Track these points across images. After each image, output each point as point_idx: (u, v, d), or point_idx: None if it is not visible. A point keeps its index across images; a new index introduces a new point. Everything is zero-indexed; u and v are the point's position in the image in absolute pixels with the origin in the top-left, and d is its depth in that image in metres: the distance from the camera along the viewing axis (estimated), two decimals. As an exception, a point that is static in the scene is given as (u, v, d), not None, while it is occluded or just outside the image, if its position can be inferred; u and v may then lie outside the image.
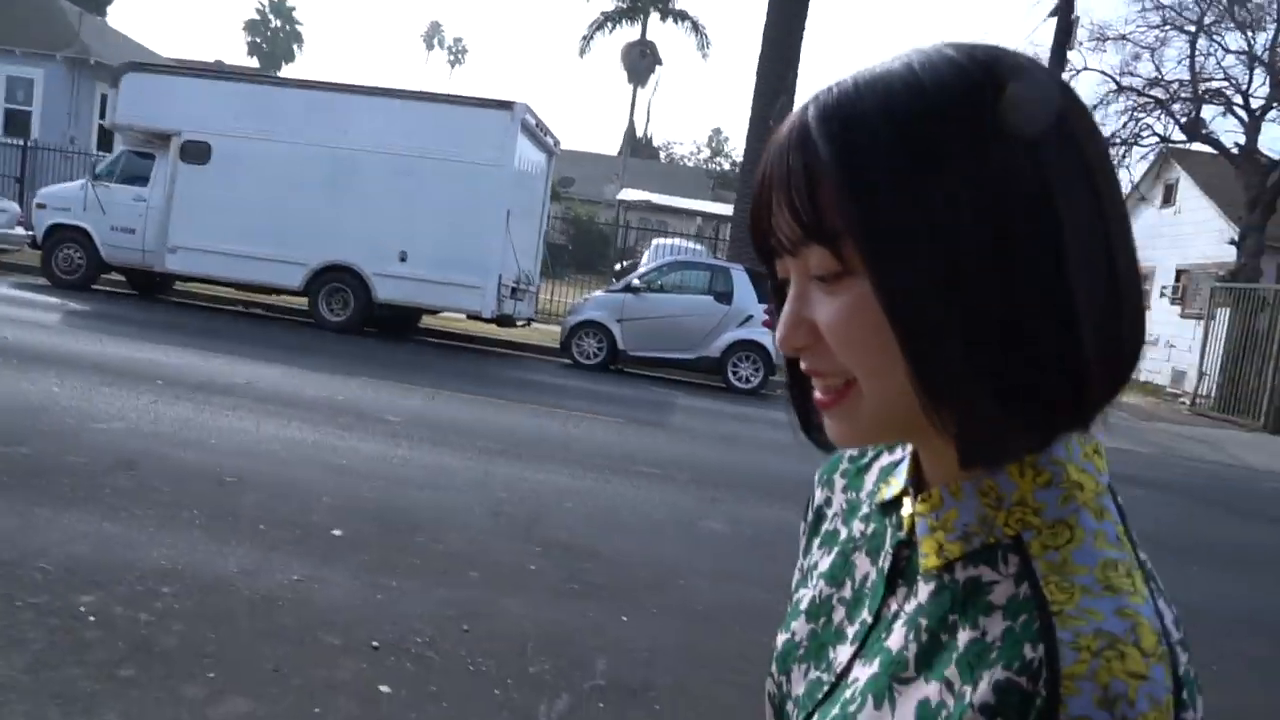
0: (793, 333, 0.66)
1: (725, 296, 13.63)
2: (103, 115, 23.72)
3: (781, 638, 0.81)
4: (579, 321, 13.59)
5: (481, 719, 3.38)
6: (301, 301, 14.71)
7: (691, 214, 41.83)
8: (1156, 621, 0.59)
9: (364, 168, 13.11)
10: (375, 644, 3.81)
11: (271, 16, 69.34)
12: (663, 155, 68.47)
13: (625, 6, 43.27)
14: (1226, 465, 13.01)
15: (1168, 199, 26.41)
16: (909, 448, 0.73)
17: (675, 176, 56.10)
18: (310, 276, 13.40)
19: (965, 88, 0.61)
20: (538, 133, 14.03)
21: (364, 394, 8.79)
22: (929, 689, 0.64)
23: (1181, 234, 25.54)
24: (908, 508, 0.72)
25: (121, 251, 14.00)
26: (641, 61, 42.80)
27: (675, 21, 43.93)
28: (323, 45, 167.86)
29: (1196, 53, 21.06)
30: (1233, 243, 21.06)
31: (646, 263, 25.39)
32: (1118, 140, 22.08)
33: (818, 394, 0.68)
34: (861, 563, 0.76)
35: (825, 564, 0.80)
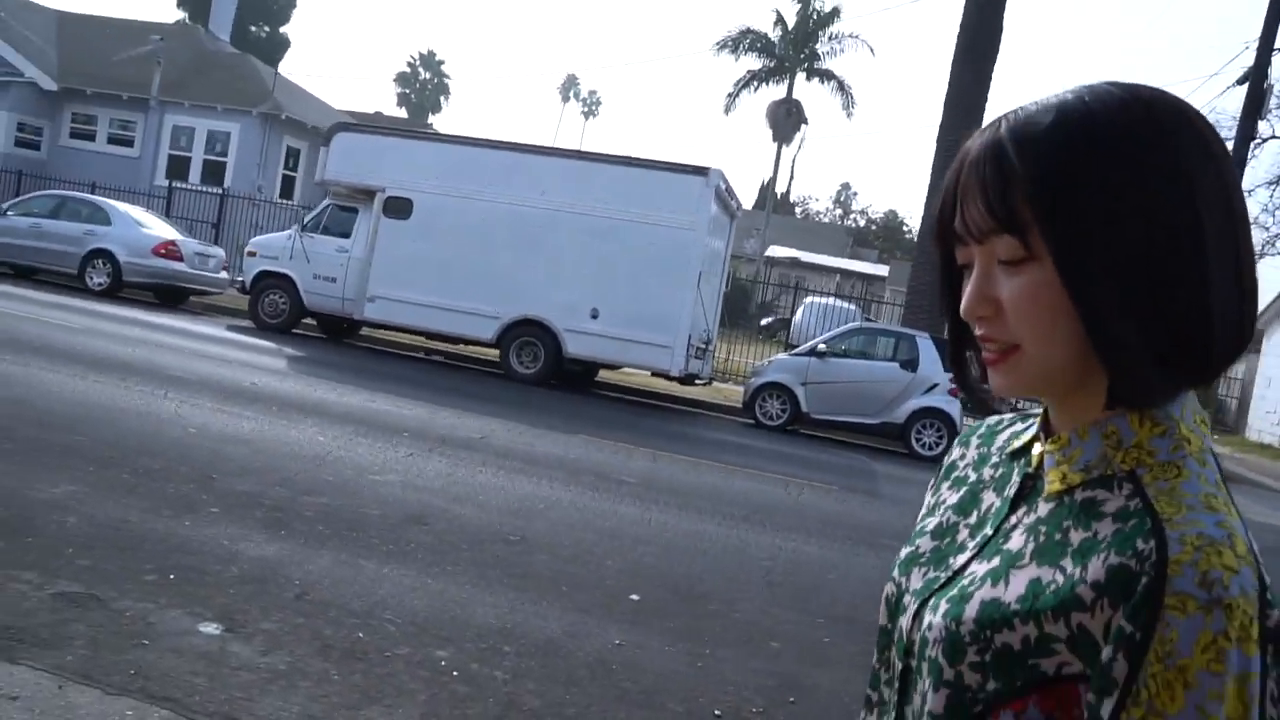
0: (979, 304, 0.82)
1: (910, 364, 13.55)
2: (288, 166, 25.14)
3: (905, 550, 0.95)
4: (764, 383, 13.67)
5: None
6: (478, 351, 15.24)
7: (831, 270, 41.76)
8: (1247, 538, 0.74)
9: (559, 227, 13.53)
10: (717, 712, 3.90)
11: (421, 69, 72.51)
12: (798, 211, 68.65)
13: (772, 66, 43.69)
14: None
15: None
16: (1037, 420, 0.91)
17: (813, 233, 56.12)
18: (503, 330, 13.84)
19: (1126, 119, 0.77)
20: (725, 196, 14.28)
21: (590, 453, 9.01)
22: (1041, 571, 0.79)
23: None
24: (1037, 449, 0.88)
25: (323, 299, 14.73)
26: (787, 120, 43.01)
27: (821, 81, 44.12)
28: (467, 96, 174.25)
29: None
30: None
31: (801, 321, 25.50)
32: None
33: (987, 354, 0.84)
34: (988, 497, 0.91)
35: (953, 499, 0.95)
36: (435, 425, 8.95)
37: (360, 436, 7.76)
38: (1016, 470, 0.89)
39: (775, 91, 44.67)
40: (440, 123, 67.31)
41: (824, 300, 25.60)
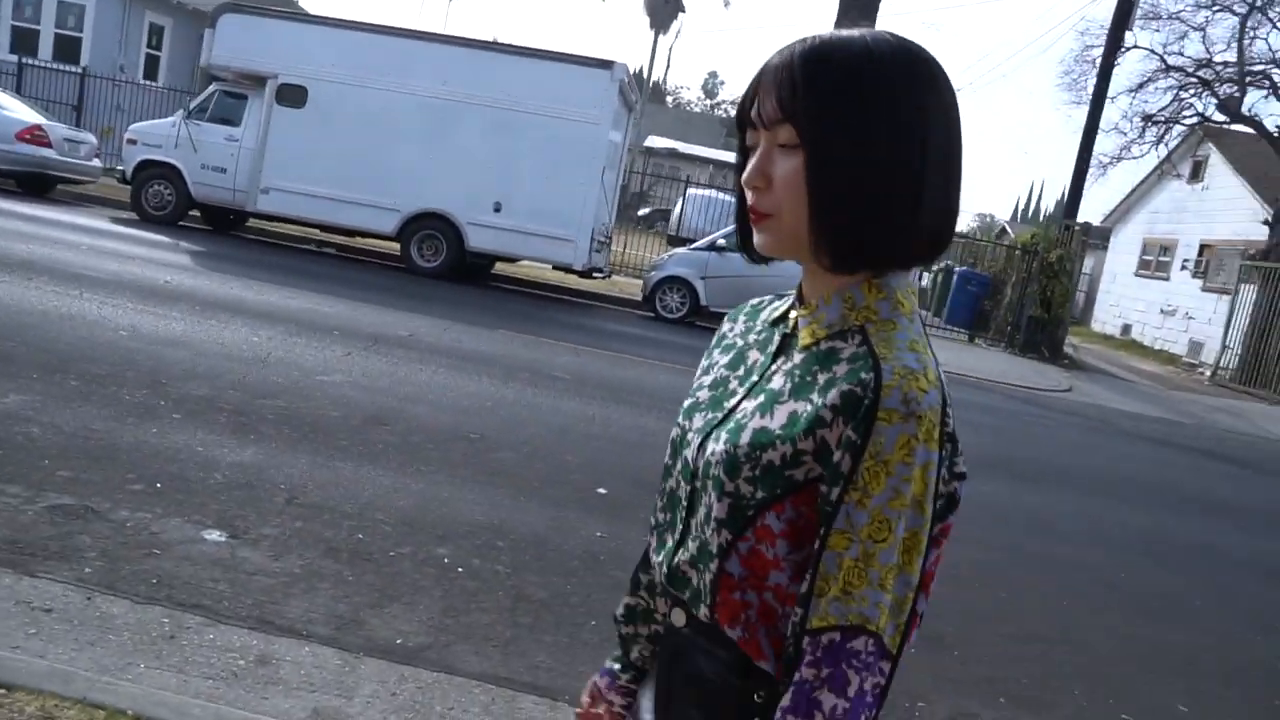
0: (756, 177, 1.04)
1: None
2: (152, 45, 23.59)
3: (687, 401, 1.18)
4: (664, 277, 13.93)
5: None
6: (371, 244, 15.00)
7: (706, 161, 41.90)
8: (937, 370, 1.00)
9: (461, 118, 13.29)
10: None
11: (278, -61, 68.17)
12: (669, 100, 68.02)
13: (650, -51, 42.80)
14: (1259, 436, 13.62)
15: (1196, 174, 26.82)
16: (789, 299, 1.16)
17: (686, 123, 55.91)
18: (404, 223, 13.64)
19: (891, 61, 1.01)
20: (627, 90, 14.23)
21: (516, 349, 9.15)
22: (796, 404, 1.02)
23: (1207, 210, 25.98)
24: (793, 315, 1.11)
25: (212, 190, 14.16)
26: (665, 8, 42.41)
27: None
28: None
29: (1245, 34, 21.29)
30: (1266, 223, 21.53)
31: (684, 213, 25.64)
32: (1162, 119, 22.40)
33: (753, 216, 1.06)
34: (752, 355, 1.15)
35: (725, 360, 1.19)
36: (360, 322, 8.92)
37: (293, 336, 7.71)
38: (777, 332, 1.13)
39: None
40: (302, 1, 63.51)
41: (706, 193, 25.79)
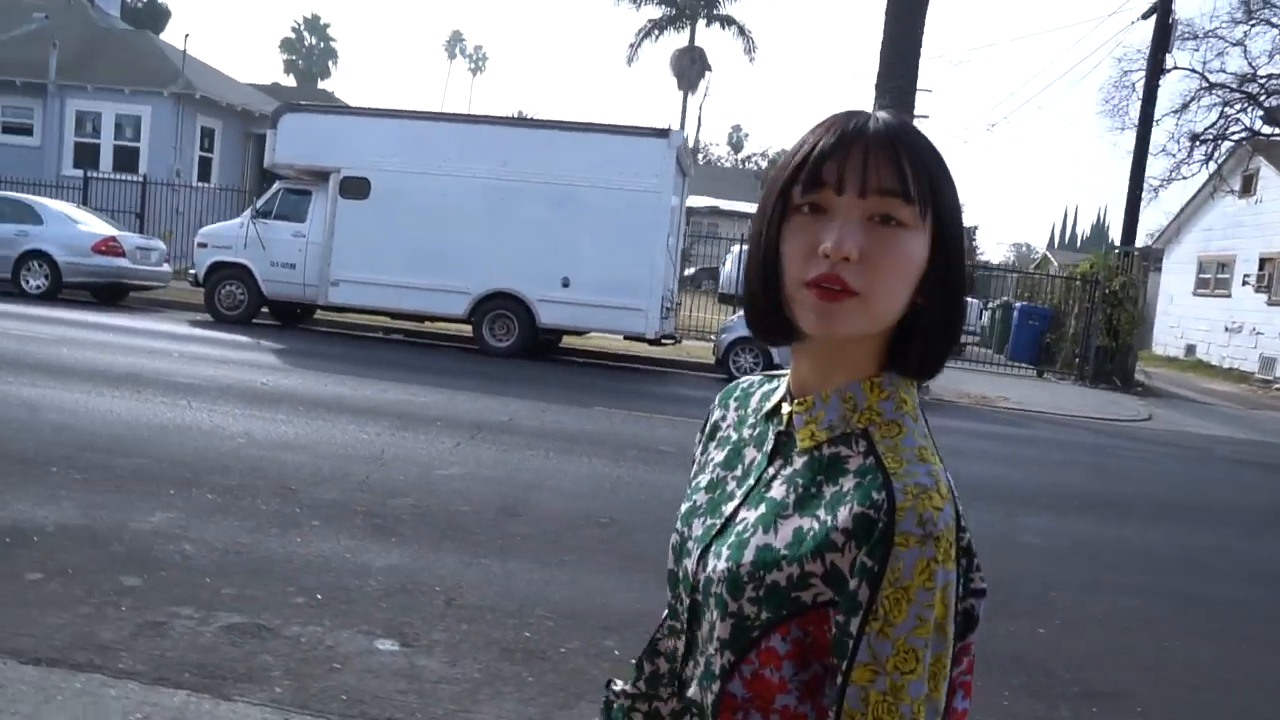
0: (850, 248, 0.94)
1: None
2: (204, 147, 24.28)
3: (685, 505, 1.13)
4: (736, 338, 13.92)
5: None
6: (439, 327, 15.16)
7: (745, 215, 42.16)
8: (947, 481, 0.95)
9: (524, 197, 13.48)
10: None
11: (307, 34, 70.15)
12: (700, 158, 68.71)
13: (673, 14, 43.54)
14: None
15: (1247, 188, 26.53)
16: (784, 381, 1.09)
17: (719, 179, 56.37)
18: (475, 304, 13.79)
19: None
20: (683, 156, 14.38)
21: (616, 425, 9.21)
22: (803, 521, 0.97)
23: (1263, 223, 25.64)
24: (786, 409, 1.05)
25: (282, 286, 14.43)
26: (691, 68, 43.01)
27: (722, 26, 44.18)
28: (355, 59, 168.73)
29: (1287, 44, 21.15)
30: (1330, 231, 21.23)
31: (730, 270, 25.71)
32: (1209, 136, 22.24)
33: (824, 290, 0.95)
34: (749, 453, 1.09)
35: (720, 456, 1.13)
36: (458, 411, 8.99)
37: (399, 430, 7.77)
38: (771, 429, 1.07)
39: (677, 39, 44.60)
40: (330, 89, 65.23)
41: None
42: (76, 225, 15.53)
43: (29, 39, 24.65)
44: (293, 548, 4.97)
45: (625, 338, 14.52)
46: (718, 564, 1.01)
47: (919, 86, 16.71)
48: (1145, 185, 19.92)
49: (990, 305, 24.09)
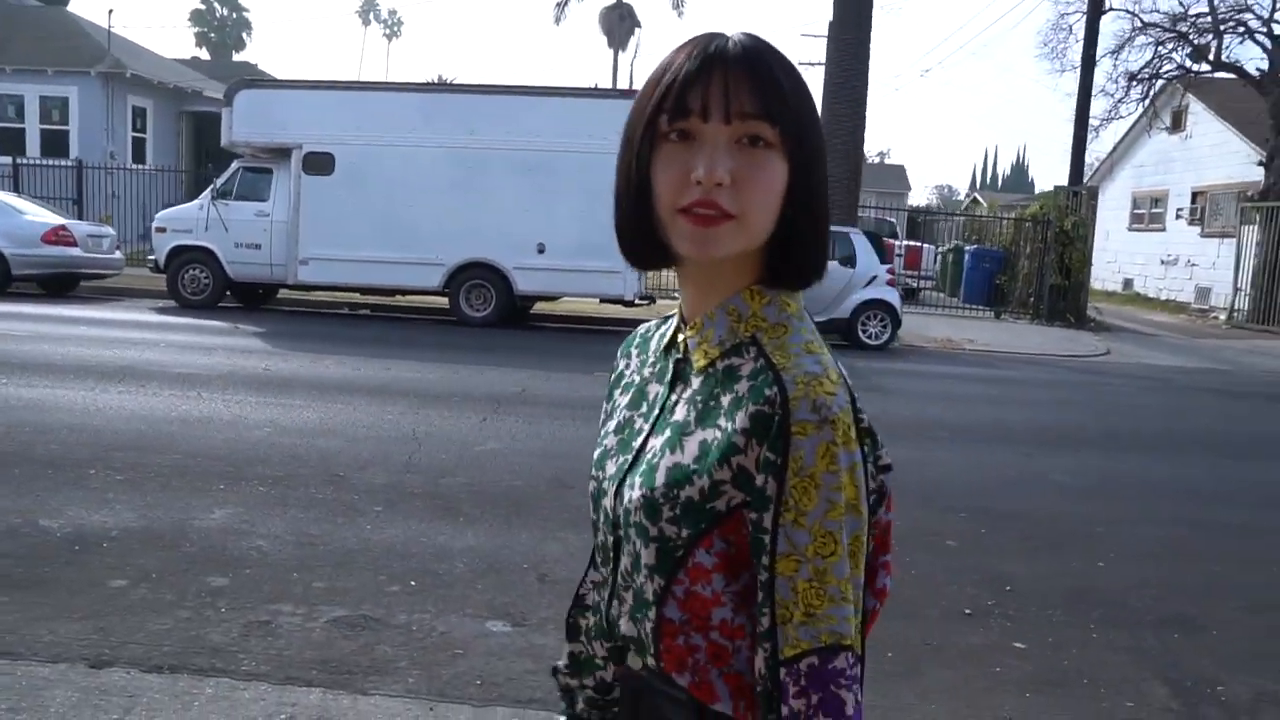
0: (723, 173, 0.95)
1: (849, 260, 14.08)
2: (136, 128, 23.46)
3: (596, 451, 1.13)
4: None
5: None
6: (406, 300, 14.98)
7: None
8: (837, 367, 0.98)
9: (493, 165, 13.29)
10: (968, 610, 4.29)
11: (218, 5, 67.70)
12: (629, 115, 68.00)
13: (598, -31, 43.00)
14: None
15: (1177, 124, 27.22)
16: (674, 320, 1.12)
17: (652, 136, 56.02)
18: (450, 275, 13.62)
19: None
20: (649, 116, 14.28)
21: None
22: (705, 433, 0.99)
23: (1194, 158, 26.39)
24: (681, 337, 1.07)
25: (248, 268, 14.08)
26: (621, 25, 42.59)
27: (649, -19, 43.74)
28: (267, 29, 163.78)
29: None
30: (1261, 164, 21.89)
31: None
32: (1145, 76, 22.73)
33: (698, 216, 0.96)
34: (652, 389, 1.10)
35: (625, 400, 1.14)
36: (470, 385, 8.93)
37: (420, 409, 7.70)
38: (671, 359, 1.09)
39: (606, -2, 44.10)
40: (248, 60, 63.13)
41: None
42: (22, 215, 14.94)
43: (-61, 22, 23.48)
44: (365, 535, 4.92)
45: (601, 301, 14.47)
46: (632, 494, 1.02)
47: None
48: (1089, 125, 20.28)
49: (941, 249, 24.45)
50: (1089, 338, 17.94)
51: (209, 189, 14.50)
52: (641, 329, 1.21)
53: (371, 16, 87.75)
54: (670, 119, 0.97)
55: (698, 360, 1.03)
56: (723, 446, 0.96)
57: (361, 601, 4.16)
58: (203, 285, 14.18)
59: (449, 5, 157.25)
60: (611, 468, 1.08)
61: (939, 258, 24.11)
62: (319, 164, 13.66)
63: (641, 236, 1.03)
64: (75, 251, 14.83)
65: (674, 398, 1.05)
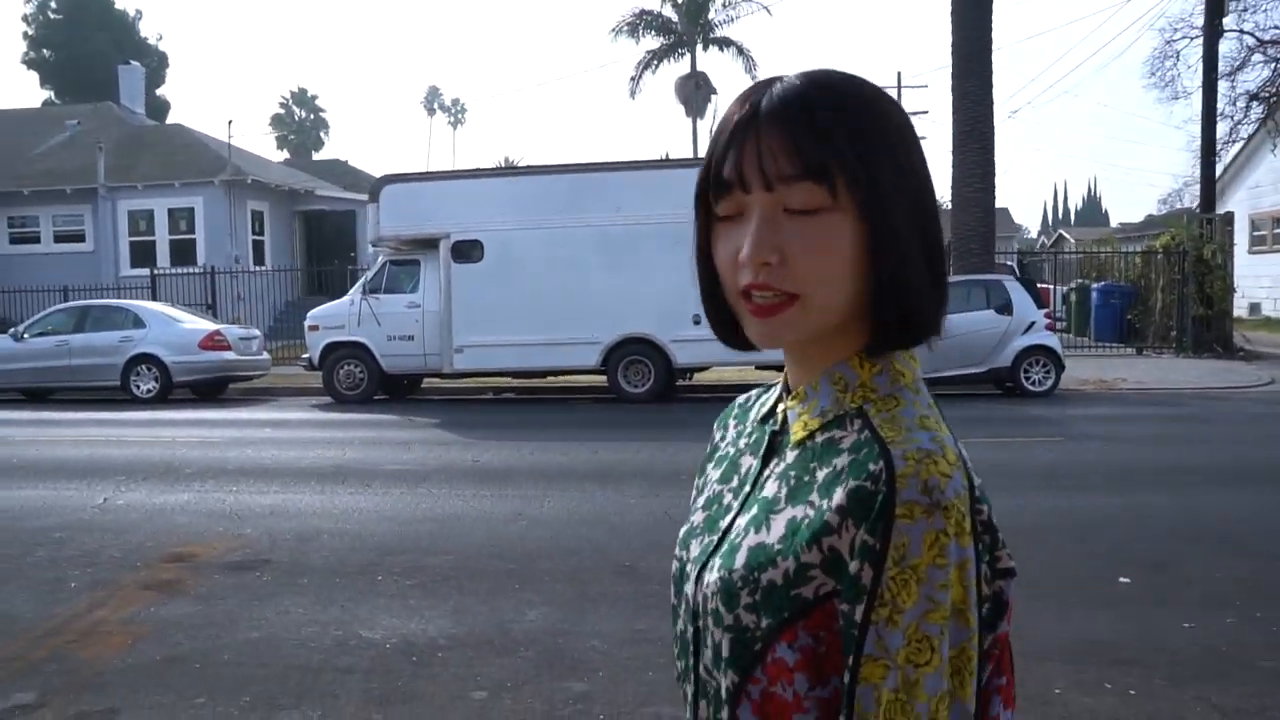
0: (766, 249, 0.84)
1: (1005, 308, 13.78)
2: (255, 230, 24.18)
3: (683, 529, 1.01)
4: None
5: None
6: (551, 381, 14.97)
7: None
8: (956, 448, 0.84)
9: (641, 240, 13.29)
10: None
11: (296, 108, 70.40)
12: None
13: (670, 42, 43.65)
14: None
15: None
16: (776, 389, 0.99)
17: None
18: (607, 352, 13.60)
19: (882, 96, 0.88)
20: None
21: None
22: (796, 510, 0.86)
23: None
24: (781, 408, 0.95)
25: (402, 359, 14.23)
26: (697, 93, 43.03)
27: (720, 49, 44.28)
28: (344, 127, 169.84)
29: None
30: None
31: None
32: (1266, 94, 22.21)
33: (758, 303, 0.86)
34: (745, 461, 0.98)
35: (717, 474, 1.02)
36: (675, 462, 8.79)
37: (657, 489, 7.57)
38: (767, 430, 0.97)
39: (679, 68, 44.68)
40: (322, 158, 65.36)
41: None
42: (179, 324, 15.37)
43: (67, 146, 24.63)
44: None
45: (757, 367, 14.30)
46: (711, 576, 0.91)
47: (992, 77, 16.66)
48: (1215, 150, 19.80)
49: (1065, 288, 23.95)
50: (1244, 367, 17.28)
51: (358, 284, 14.75)
52: (741, 399, 1.10)
53: (436, 105, 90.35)
54: (715, 197, 0.88)
55: (796, 432, 0.92)
56: (814, 526, 0.84)
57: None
58: (358, 380, 14.34)
59: (510, 90, 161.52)
60: (696, 548, 0.97)
61: (1063, 297, 23.59)
62: (468, 252, 13.82)
63: (721, 322, 0.95)
64: (230, 355, 15.19)
65: (766, 472, 0.94)
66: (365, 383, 14.35)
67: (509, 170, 14.36)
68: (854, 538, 0.81)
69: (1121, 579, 5.31)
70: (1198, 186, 19.87)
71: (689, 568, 0.97)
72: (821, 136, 0.83)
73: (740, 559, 0.88)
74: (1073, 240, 48.37)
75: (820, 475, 0.86)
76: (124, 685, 4.23)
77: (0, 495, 7.96)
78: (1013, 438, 9.94)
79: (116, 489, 8.06)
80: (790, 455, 0.91)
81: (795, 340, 0.89)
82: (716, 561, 0.91)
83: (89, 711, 3.99)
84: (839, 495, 0.83)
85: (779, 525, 0.87)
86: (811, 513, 0.85)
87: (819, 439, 0.89)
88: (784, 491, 0.89)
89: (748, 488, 0.95)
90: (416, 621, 4.90)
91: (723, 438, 1.07)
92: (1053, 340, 13.93)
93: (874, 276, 0.85)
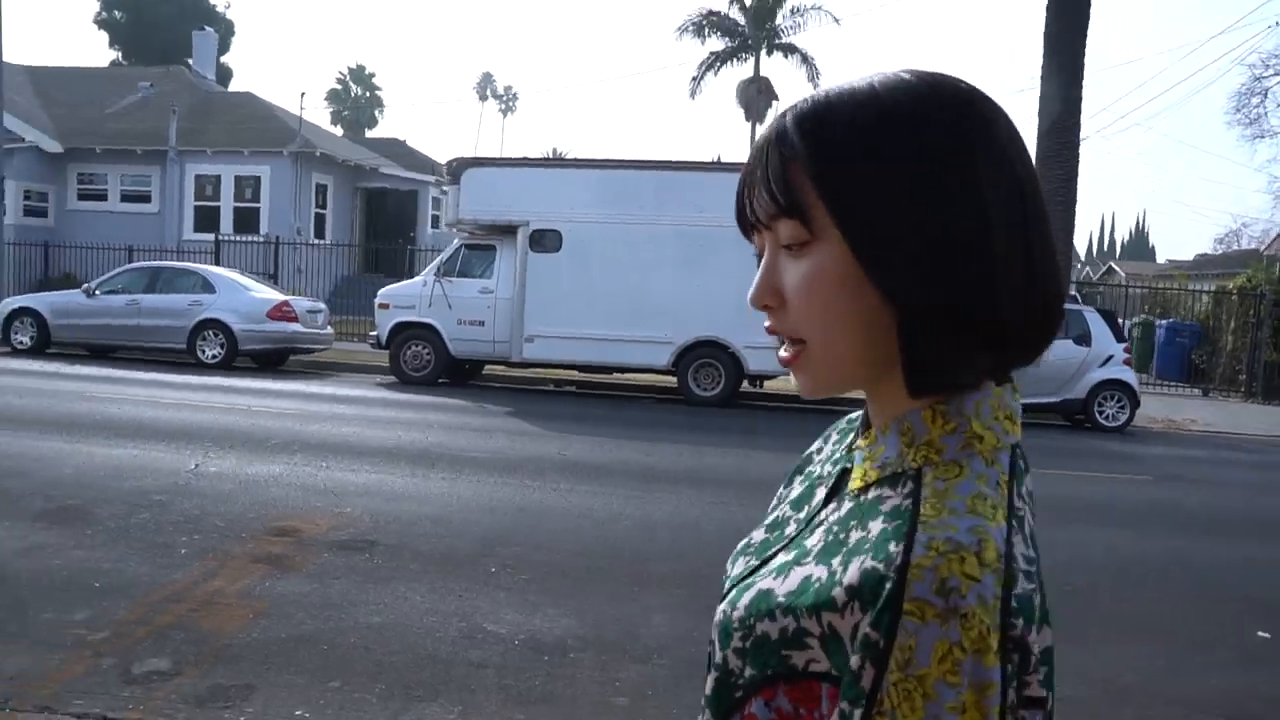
0: (763, 294, 0.80)
1: (1083, 339, 13.55)
2: (318, 204, 24.25)
3: (743, 540, 0.93)
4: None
5: None
6: (616, 378, 14.87)
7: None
8: (1003, 545, 0.69)
9: (722, 243, 13.05)
10: None
11: (353, 85, 70.71)
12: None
13: (734, 45, 43.50)
14: None
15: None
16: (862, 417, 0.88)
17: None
18: (679, 354, 13.48)
19: (911, 100, 0.75)
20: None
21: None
22: (815, 569, 0.76)
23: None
24: (860, 443, 0.84)
25: (471, 344, 14.16)
26: (758, 98, 42.86)
27: (785, 56, 44.10)
28: (399, 106, 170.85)
29: None
30: None
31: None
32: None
33: (782, 353, 0.80)
34: (818, 493, 0.88)
35: (794, 493, 0.92)
36: (769, 473, 8.66)
37: (749, 495, 7.44)
38: (840, 466, 0.87)
39: (740, 71, 44.54)
40: (375, 136, 65.63)
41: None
42: (249, 292, 15.39)
43: (140, 107, 24.80)
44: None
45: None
46: (723, 605, 0.86)
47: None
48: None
49: (1128, 323, 23.62)
50: (1320, 418, 16.92)
51: (431, 266, 14.70)
52: (852, 414, 0.95)
53: (489, 92, 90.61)
54: (747, 237, 0.84)
55: (854, 479, 0.82)
56: (822, 595, 0.74)
57: None
58: (424, 361, 14.29)
59: (566, 84, 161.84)
60: (738, 567, 0.89)
61: (1128, 330, 23.27)
62: (545, 241, 13.74)
63: None
64: (296, 327, 15.19)
65: (822, 516, 0.83)
66: (431, 365, 14.30)
67: (593, 162, 14.20)
68: (857, 624, 0.71)
69: (1260, 633, 5.13)
70: (1258, 227, 19.52)
71: (725, 584, 0.90)
72: (788, 165, 0.76)
73: (745, 599, 0.81)
74: (1123, 274, 47.71)
75: (854, 537, 0.76)
76: (254, 660, 4.17)
77: (95, 452, 7.95)
78: (1097, 473, 9.74)
79: (206, 455, 8.03)
80: (846, 505, 0.81)
81: (824, 391, 0.80)
82: (734, 592, 0.84)
83: (225, 686, 3.92)
84: (854, 570, 0.72)
85: (795, 578, 0.78)
86: (825, 578, 0.75)
87: (872, 494, 0.79)
88: (820, 545, 0.79)
89: (804, 527, 0.85)
90: (540, 619, 4.81)
91: (819, 450, 0.97)
92: (1130, 375, 13.69)
93: (888, 311, 0.76)
